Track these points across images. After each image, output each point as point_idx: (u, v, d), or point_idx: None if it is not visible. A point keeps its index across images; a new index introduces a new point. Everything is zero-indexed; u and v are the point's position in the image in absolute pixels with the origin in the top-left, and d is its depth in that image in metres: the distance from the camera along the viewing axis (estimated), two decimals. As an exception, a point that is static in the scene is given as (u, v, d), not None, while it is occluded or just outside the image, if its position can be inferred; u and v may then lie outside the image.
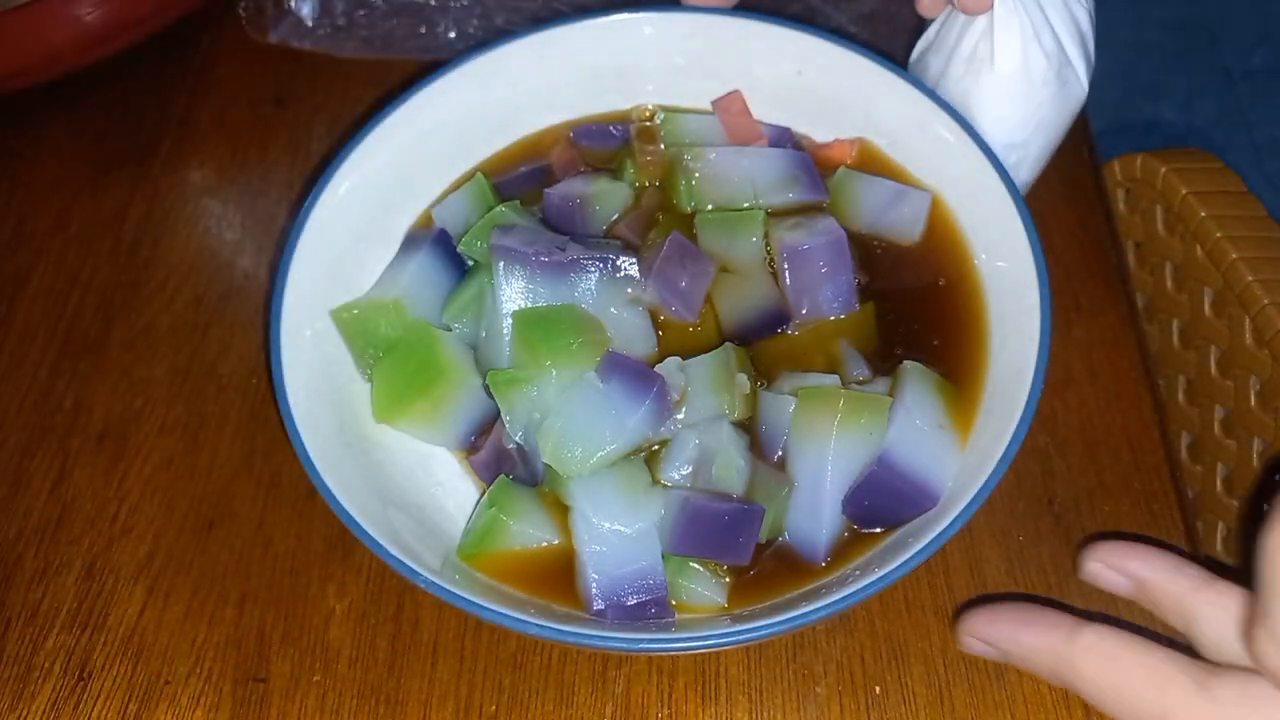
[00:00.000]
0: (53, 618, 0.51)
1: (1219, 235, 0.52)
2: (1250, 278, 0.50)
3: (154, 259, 0.63)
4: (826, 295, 0.51)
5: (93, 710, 0.48)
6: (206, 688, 0.49)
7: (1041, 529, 0.51)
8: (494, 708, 0.48)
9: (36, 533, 0.53)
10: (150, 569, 0.52)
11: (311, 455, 0.45)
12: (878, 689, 0.47)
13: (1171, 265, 0.58)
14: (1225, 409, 0.54)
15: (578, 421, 0.46)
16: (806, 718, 0.47)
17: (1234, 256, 0.51)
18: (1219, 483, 0.54)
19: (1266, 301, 0.49)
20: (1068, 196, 0.61)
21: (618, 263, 0.49)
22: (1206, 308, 0.55)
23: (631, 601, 0.44)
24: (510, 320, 0.48)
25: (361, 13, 0.70)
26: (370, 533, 0.43)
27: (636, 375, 0.46)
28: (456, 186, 0.57)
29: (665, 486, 0.47)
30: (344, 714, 0.48)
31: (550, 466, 0.46)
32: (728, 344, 0.49)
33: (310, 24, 0.70)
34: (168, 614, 0.51)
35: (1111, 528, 0.51)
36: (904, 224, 0.53)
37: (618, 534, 0.45)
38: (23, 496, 0.55)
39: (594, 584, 0.45)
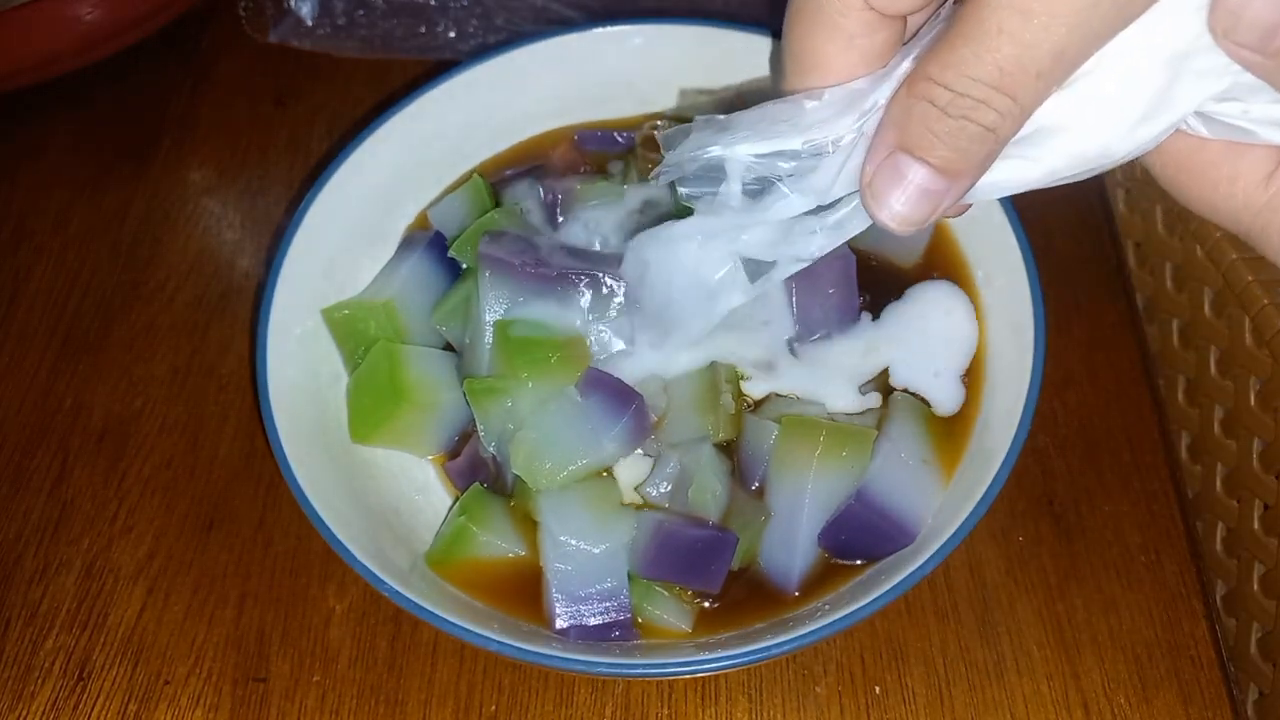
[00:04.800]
0: (53, 618, 0.51)
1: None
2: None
3: (154, 259, 0.63)
4: (832, 315, 0.50)
5: (93, 710, 0.48)
6: (206, 688, 0.49)
7: (1041, 529, 0.51)
8: (494, 708, 0.48)
9: (36, 533, 0.53)
10: (150, 569, 0.52)
11: (285, 451, 0.45)
12: (878, 689, 0.47)
13: (1171, 265, 0.58)
14: (1225, 409, 0.54)
15: (551, 435, 0.45)
16: (806, 718, 0.47)
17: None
18: (1219, 483, 0.54)
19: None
20: (1068, 196, 0.61)
21: (604, 277, 0.48)
22: (1206, 308, 0.55)
23: (595, 622, 0.44)
24: (492, 329, 0.47)
25: (361, 13, 0.70)
26: (336, 534, 0.43)
27: (615, 393, 0.46)
28: (455, 188, 0.56)
29: (638, 505, 0.46)
30: (344, 714, 0.48)
31: (520, 480, 0.46)
32: (714, 362, 0.48)
33: (310, 24, 0.70)
34: (168, 614, 0.51)
35: (1111, 528, 0.51)
36: (905, 245, 0.53)
37: (584, 553, 0.44)
38: (23, 496, 0.55)
39: (557, 602, 0.44)
